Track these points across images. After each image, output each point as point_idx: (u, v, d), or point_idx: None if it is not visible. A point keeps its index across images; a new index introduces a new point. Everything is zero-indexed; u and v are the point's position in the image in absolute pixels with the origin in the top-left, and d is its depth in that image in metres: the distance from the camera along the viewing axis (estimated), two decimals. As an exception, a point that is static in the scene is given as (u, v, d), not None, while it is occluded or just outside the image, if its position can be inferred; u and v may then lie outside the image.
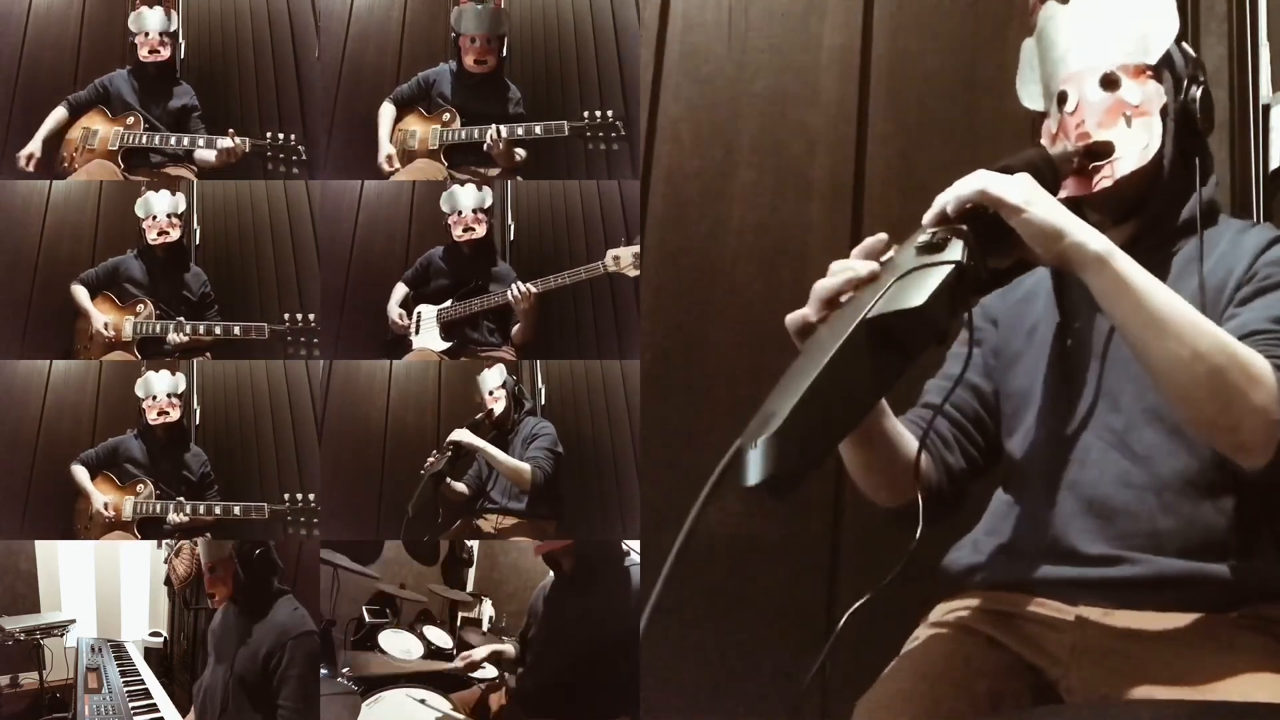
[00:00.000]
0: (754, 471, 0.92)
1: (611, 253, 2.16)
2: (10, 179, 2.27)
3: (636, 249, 2.12)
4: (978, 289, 1.12)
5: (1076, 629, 1.24)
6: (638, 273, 2.12)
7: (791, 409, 0.93)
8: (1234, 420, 1.12)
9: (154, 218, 2.29)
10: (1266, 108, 1.89)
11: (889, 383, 1.13)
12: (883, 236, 1.16)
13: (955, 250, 1.06)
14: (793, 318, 1.16)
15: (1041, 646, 1.26)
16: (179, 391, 2.27)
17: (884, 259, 1.13)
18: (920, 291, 1.01)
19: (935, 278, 1.03)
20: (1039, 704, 1.24)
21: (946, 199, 1.13)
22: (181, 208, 2.29)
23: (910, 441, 1.37)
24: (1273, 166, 1.85)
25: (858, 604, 1.10)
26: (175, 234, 2.29)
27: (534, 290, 2.19)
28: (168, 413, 2.26)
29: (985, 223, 1.12)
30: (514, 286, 2.21)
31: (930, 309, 1.00)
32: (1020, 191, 1.13)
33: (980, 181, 1.13)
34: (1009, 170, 1.18)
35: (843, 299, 1.11)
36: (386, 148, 2.22)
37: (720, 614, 1.97)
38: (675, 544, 0.92)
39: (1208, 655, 1.15)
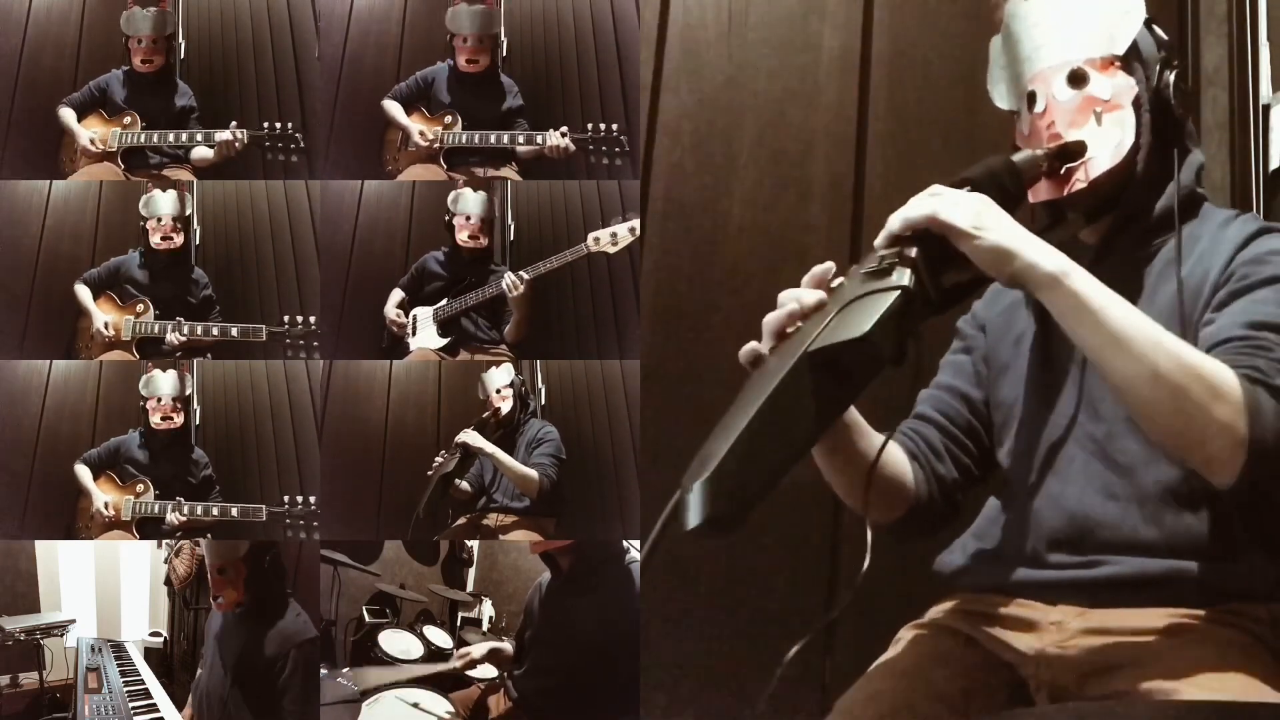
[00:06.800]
0: (692, 515, 0.93)
1: (591, 235, 2.16)
2: (10, 179, 2.27)
3: (615, 229, 2.13)
4: (931, 311, 1.09)
5: (1052, 628, 1.23)
6: (616, 249, 2.13)
7: (727, 450, 0.93)
8: (1198, 437, 1.09)
9: (159, 220, 2.28)
10: (1266, 108, 1.89)
11: (834, 414, 1.13)
12: (830, 265, 1.14)
13: (903, 276, 1.03)
14: (745, 351, 1.15)
15: (1015, 645, 1.26)
16: (184, 395, 2.27)
17: (834, 284, 1.10)
18: (864, 320, 0.98)
19: (881, 305, 1.00)
20: (1012, 703, 1.24)
21: (896, 220, 1.11)
22: (188, 210, 2.29)
23: (893, 457, 1.37)
24: (1273, 166, 1.85)
25: (798, 645, 1.07)
26: (179, 239, 2.29)
27: (526, 276, 2.19)
28: (171, 418, 2.25)
29: (938, 242, 1.10)
30: (507, 276, 2.21)
31: (874, 337, 0.97)
32: (969, 216, 1.10)
33: (930, 206, 1.10)
34: (969, 182, 1.16)
35: (789, 330, 1.10)
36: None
37: (720, 615, 1.97)
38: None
39: (1177, 650, 1.14)
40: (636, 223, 2.13)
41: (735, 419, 0.96)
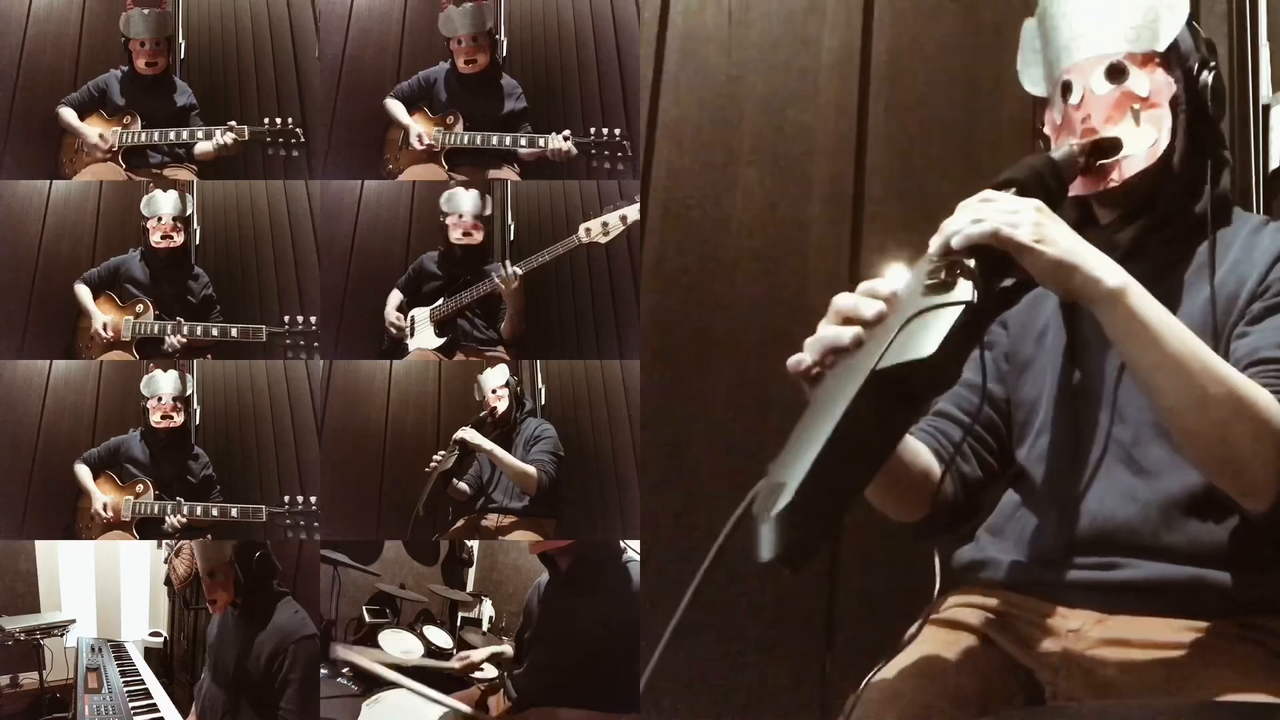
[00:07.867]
0: (767, 547, 0.91)
1: (583, 225, 2.16)
2: (10, 179, 2.27)
3: (605, 219, 2.14)
4: (987, 320, 1.07)
5: (1070, 636, 1.23)
6: (608, 238, 2.14)
7: (802, 481, 0.90)
8: (1239, 466, 1.09)
9: (159, 219, 2.29)
10: (1266, 108, 1.88)
11: (900, 434, 1.10)
12: (883, 285, 1.09)
13: (964, 290, 1.00)
14: (793, 363, 1.10)
15: (1034, 649, 1.25)
16: (185, 394, 2.27)
17: (889, 292, 1.06)
18: (930, 339, 0.95)
19: (945, 322, 0.97)
20: (1030, 705, 1.24)
21: (953, 234, 1.06)
22: (188, 210, 2.29)
23: (919, 453, 1.34)
24: (1273, 166, 1.85)
25: (872, 673, 1.09)
26: (179, 238, 2.29)
27: (519, 271, 2.19)
28: (171, 417, 2.25)
29: (993, 252, 1.07)
30: (500, 271, 2.21)
31: (941, 358, 0.94)
32: (1031, 228, 1.07)
33: (990, 221, 1.06)
34: (1013, 183, 1.14)
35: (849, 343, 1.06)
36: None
37: (721, 614, 1.97)
38: (684, 599, 0.96)
39: (1198, 669, 1.13)
40: (627, 210, 2.13)
41: (804, 446, 0.93)
